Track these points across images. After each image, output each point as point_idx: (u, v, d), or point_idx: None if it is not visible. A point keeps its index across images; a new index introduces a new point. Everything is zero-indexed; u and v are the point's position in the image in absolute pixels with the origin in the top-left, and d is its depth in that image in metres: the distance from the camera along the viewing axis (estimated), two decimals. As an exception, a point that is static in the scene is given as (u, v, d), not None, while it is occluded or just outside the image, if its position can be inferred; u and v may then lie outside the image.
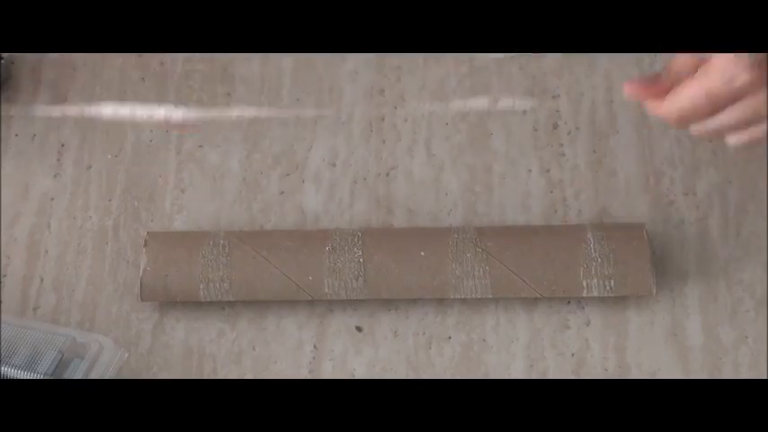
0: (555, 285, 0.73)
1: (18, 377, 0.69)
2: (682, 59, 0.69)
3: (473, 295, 0.73)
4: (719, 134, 0.69)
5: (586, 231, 0.75)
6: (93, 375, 0.69)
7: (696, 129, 0.69)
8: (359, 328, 0.75)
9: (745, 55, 0.66)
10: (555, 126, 0.82)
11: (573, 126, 0.82)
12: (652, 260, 0.73)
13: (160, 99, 0.84)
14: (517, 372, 0.73)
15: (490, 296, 0.74)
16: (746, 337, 0.74)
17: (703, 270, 0.76)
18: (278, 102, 0.84)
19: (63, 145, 0.82)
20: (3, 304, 0.76)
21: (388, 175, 0.81)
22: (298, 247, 0.74)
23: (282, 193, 0.80)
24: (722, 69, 0.66)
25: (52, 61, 0.86)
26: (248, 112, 0.83)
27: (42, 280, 0.77)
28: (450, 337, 0.74)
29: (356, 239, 0.75)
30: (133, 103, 0.84)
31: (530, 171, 0.81)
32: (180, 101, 0.84)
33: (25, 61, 0.86)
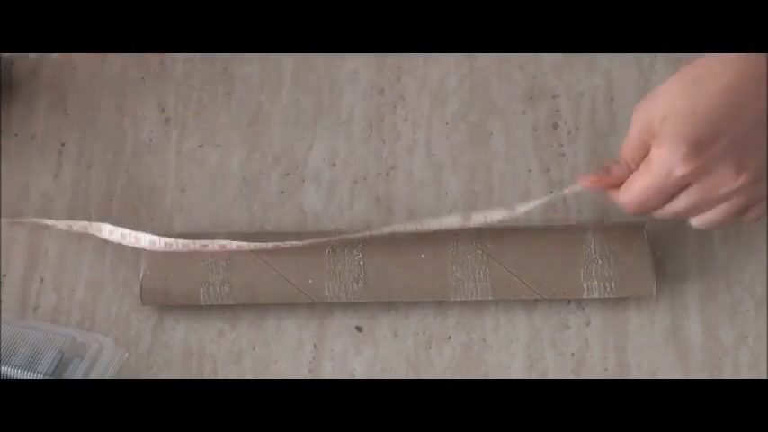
0: (555, 287, 0.73)
1: (18, 377, 0.69)
2: (630, 146, 0.69)
3: (473, 297, 0.74)
4: (680, 218, 0.70)
5: (587, 232, 0.75)
6: (93, 375, 0.69)
7: (656, 213, 0.70)
8: (359, 328, 0.75)
9: (683, 145, 0.65)
10: (555, 126, 0.82)
11: (573, 126, 0.82)
12: (652, 262, 0.73)
13: (160, 99, 0.84)
14: (517, 372, 0.73)
15: (491, 298, 0.74)
16: (746, 337, 0.74)
17: (703, 270, 0.76)
18: (278, 102, 0.84)
19: (63, 145, 0.82)
20: (3, 304, 0.76)
21: (388, 175, 0.81)
22: (298, 250, 0.74)
23: (282, 193, 0.80)
24: (660, 162, 0.66)
25: (52, 61, 0.86)
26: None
27: (42, 280, 0.77)
28: (450, 337, 0.74)
29: (356, 242, 0.75)
30: (133, 102, 0.84)
31: (530, 171, 0.81)
32: (180, 101, 0.84)
33: (25, 61, 0.86)
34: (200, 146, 0.82)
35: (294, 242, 0.73)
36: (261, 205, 0.80)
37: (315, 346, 0.74)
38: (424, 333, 0.75)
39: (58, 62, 0.86)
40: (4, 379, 0.69)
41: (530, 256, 0.73)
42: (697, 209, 0.68)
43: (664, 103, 0.66)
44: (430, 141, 0.82)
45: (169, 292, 0.74)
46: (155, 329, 0.75)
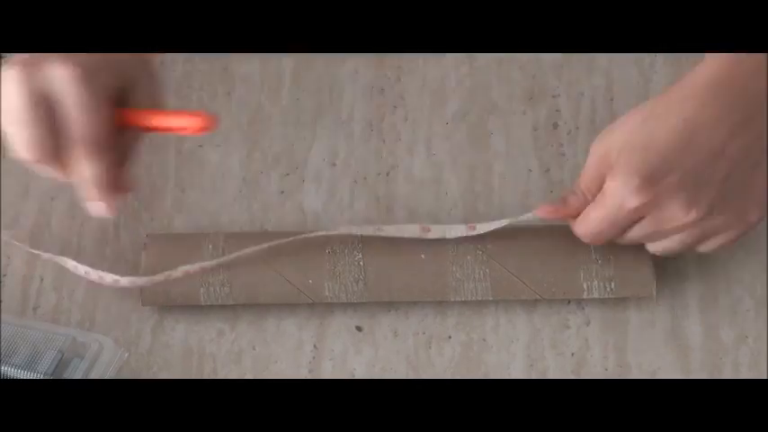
0: (555, 287, 0.73)
1: (18, 377, 0.69)
2: (587, 177, 0.70)
3: (473, 297, 0.74)
4: (640, 244, 0.71)
5: (586, 232, 0.75)
6: (93, 375, 0.69)
7: (617, 241, 0.71)
8: (359, 328, 0.75)
9: (635, 177, 0.66)
10: (555, 126, 0.83)
11: (573, 126, 0.82)
12: (652, 262, 0.73)
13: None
14: (517, 372, 0.73)
15: (491, 298, 0.74)
16: (746, 337, 0.74)
17: (703, 270, 0.76)
18: (278, 102, 0.84)
19: (63, 145, 0.82)
20: (3, 304, 0.76)
21: (388, 174, 0.81)
22: (298, 250, 0.74)
23: (282, 192, 0.80)
24: (613, 194, 0.67)
25: (52, 61, 0.86)
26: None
27: (42, 280, 0.77)
28: (450, 337, 0.74)
29: (356, 242, 0.75)
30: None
31: (530, 171, 0.81)
32: (180, 100, 0.84)
33: (25, 61, 0.86)
34: (200, 146, 0.82)
35: (248, 249, 0.73)
36: (261, 205, 0.80)
37: (315, 346, 0.74)
38: (423, 333, 0.75)
39: (58, 62, 0.86)
40: (4, 379, 0.69)
41: (530, 257, 0.73)
42: (650, 239, 0.70)
43: (620, 135, 0.68)
44: (430, 141, 0.82)
45: (169, 292, 0.74)
46: (155, 329, 0.75)
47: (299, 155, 0.82)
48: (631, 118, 0.68)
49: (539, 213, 0.72)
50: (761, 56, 0.66)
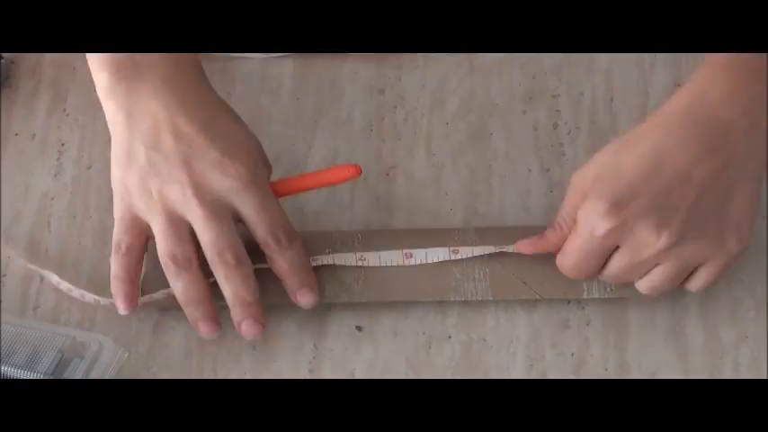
0: (555, 287, 0.73)
1: (18, 377, 0.69)
2: (566, 211, 0.70)
3: (473, 297, 0.74)
4: (623, 282, 0.71)
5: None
6: (93, 375, 0.69)
7: (599, 277, 0.71)
8: (359, 328, 0.75)
9: (603, 202, 0.67)
10: (555, 126, 0.83)
11: (573, 126, 0.82)
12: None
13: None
14: (517, 371, 0.73)
15: (491, 298, 0.74)
16: (746, 337, 0.74)
17: (703, 270, 0.76)
18: (278, 102, 0.84)
19: (63, 145, 0.82)
20: (3, 304, 0.76)
21: (388, 174, 0.81)
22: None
23: (282, 192, 0.80)
24: (584, 221, 0.68)
25: (52, 61, 0.86)
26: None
27: (42, 280, 0.77)
28: (450, 337, 0.74)
29: (356, 242, 0.75)
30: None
31: (530, 171, 0.81)
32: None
33: (25, 61, 0.86)
34: (201, 146, 0.82)
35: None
36: (261, 205, 0.80)
37: (315, 345, 0.74)
38: (424, 333, 0.75)
39: (58, 62, 0.86)
40: (4, 379, 0.69)
41: (530, 257, 0.73)
42: (631, 272, 0.69)
43: (594, 166, 0.69)
44: (430, 141, 0.82)
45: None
46: (155, 329, 0.75)
47: (299, 155, 0.82)
48: (605, 150, 0.69)
49: (518, 248, 0.73)
50: (730, 85, 0.68)
